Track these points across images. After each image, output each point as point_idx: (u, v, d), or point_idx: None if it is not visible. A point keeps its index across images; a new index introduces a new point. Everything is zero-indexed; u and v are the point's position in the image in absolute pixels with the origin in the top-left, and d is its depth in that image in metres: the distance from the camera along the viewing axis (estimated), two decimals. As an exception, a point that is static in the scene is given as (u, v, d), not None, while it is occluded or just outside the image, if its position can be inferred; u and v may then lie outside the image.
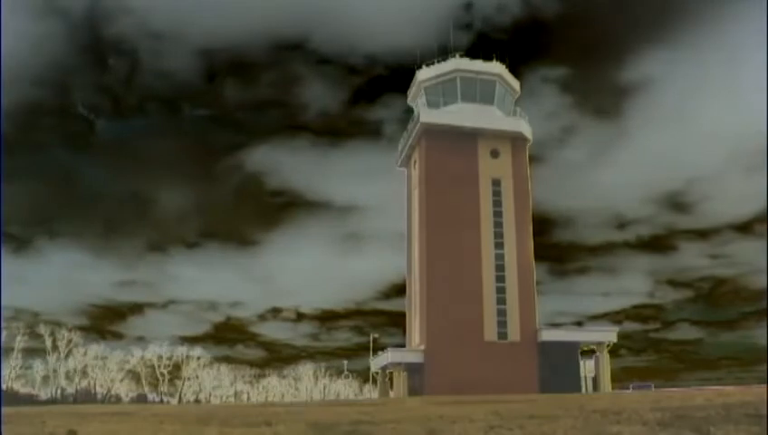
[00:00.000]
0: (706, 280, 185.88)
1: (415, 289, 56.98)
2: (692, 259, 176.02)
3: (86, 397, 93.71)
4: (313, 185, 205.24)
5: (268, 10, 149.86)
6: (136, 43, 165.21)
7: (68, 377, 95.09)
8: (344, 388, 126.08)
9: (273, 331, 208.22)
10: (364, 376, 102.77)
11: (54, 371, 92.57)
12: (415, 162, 59.75)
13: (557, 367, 50.96)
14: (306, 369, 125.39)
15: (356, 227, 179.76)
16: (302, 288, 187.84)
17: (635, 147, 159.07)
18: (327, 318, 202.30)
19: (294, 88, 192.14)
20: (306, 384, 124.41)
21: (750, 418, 12.90)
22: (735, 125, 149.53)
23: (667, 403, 18.93)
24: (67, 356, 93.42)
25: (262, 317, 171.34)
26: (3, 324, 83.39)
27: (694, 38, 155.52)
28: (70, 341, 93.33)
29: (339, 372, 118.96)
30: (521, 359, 50.52)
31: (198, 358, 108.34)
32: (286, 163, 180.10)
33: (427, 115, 55.79)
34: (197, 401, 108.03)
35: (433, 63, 58.85)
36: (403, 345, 58.75)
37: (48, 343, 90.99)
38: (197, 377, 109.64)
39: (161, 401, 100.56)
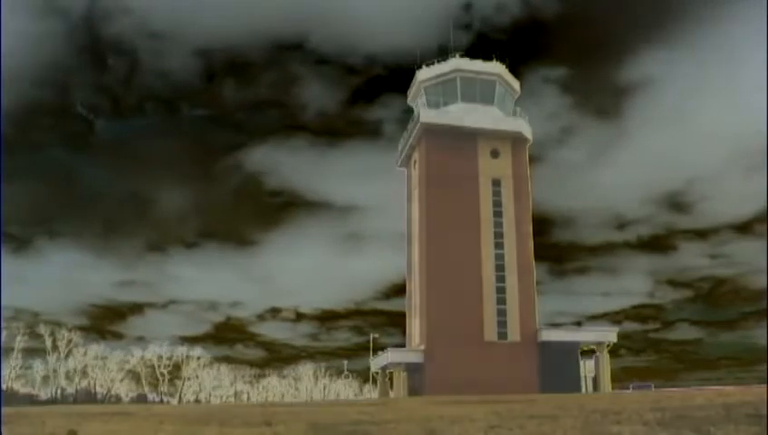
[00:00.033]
0: (706, 280, 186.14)
1: (415, 289, 56.97)
2: (692, 259, 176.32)
3: (86, 397, 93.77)
4: (313, 185, 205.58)
5: (267, 10, 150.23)
6: (135, 43, 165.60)
7: (68, 377, 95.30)
8: (344, 388, 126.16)
9: (272, 331, 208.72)
10: (364, 376, 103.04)
11: (54, 371, 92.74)
12: (415, 162, 59.75)
13: (557, 367, 50.92)
14: (306, 369, 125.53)
15: (356, 227, 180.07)
16: (301, 288, 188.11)
17: (635, 147, 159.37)
18: (327, 318, 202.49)
19: (293, 88, 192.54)
20: (306, 384, 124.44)
21: (750, 418, 12.90)
22: (735, 125, 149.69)
23: (667, 403, 18.92)
24: (67, 356, 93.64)
25: (261, 317, 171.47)
26: (3, 324, 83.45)
27: (693, 38, 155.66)
28: (70, 341, 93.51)
29: (339, 372, 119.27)
30: (521, 359, 50.54)
31: (198, 358, 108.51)
32: (285, 163, 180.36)
33: (427, 115, 55.79)
34: (197, 400, 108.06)
35: (433, 63, 58.91)
36: (403, 345, 58.73)
37: (48, 343, 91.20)
38: (197, 377, 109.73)
39: (161, 400, 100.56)
